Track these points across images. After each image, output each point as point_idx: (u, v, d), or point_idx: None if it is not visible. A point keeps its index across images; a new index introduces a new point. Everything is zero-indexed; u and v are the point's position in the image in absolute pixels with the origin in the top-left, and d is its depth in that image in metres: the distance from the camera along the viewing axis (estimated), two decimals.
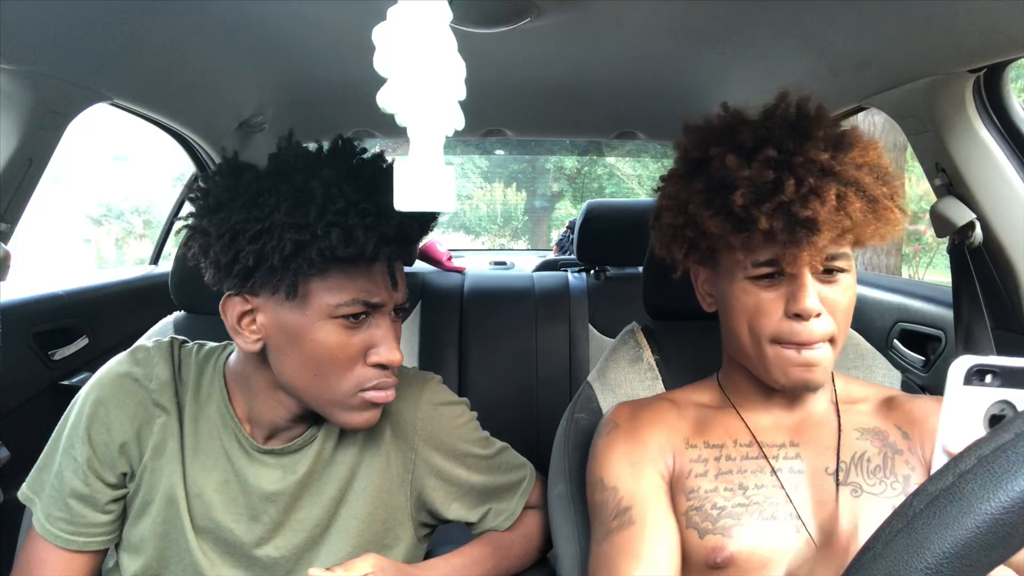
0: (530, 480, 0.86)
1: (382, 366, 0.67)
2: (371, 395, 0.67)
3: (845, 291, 0.66)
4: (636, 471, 0.70)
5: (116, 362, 0.76)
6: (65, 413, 0.76)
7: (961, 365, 0.43)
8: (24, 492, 0.74)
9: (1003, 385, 0.42)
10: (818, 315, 0.64)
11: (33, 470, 0.74)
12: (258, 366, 0.70)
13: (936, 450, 0.44)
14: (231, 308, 0.67)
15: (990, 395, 0.42)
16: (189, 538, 0.71)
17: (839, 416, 0.71)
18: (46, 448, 0.75)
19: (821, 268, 0.64)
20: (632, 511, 0.67)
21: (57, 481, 0.72)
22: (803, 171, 0.62)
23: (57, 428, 0.75)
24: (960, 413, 0.43)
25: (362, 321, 0.66)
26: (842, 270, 0.66)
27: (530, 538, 0.83)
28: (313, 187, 0.61)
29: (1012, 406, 0.42)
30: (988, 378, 0.42)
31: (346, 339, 0.65)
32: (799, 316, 0.64)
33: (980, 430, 0.42)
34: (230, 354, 0.76)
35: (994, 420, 0.42)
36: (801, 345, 0.64)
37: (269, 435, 0.73)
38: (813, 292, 0.64)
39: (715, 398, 0.77)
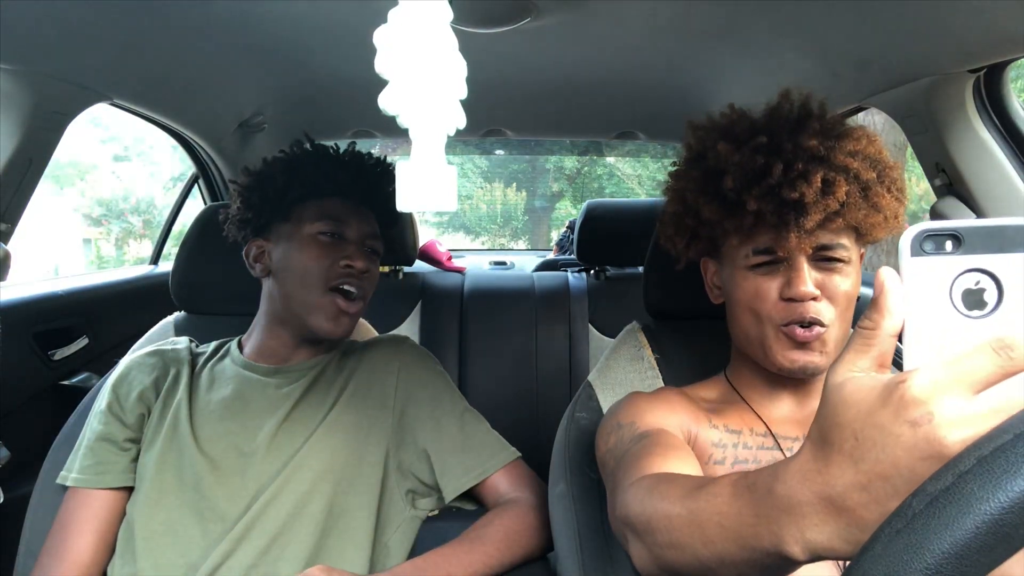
0: (511, 455, 0.87)
1: (349, 267, 0.86)
2: (340, 300, 0.86)
3: (845, 280, 0.66)
4: (656, 414, 0.69)
5: (143, 350, 0.94)
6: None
7: (909, 233, 0.33)
8: (61, 475, 0.83)
9: (969, 252, 0.32)
10: (815, 299, 0.65)
11: (68, 459, 0.85)
12: (264, 300, 0.91)
13: (905, 346, 0.33)
14: (251, 250, 0.91)
15: (955, 265, 0.32)
16: (191, 452, 0.81)
17: None
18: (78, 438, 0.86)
19: (810, 250, 0.65)
20: (651, 435, 0.64)
21: (86, 439, 0.84)
22: (792, 156, 0.64)
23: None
24: (921, 294, 0.33)
25: (336, 242, 0.87)
26: (840, 260, 0.65)
27: (514, 535, 0.80)
28: (301, 157, 0.91)
29: (990, 275, 0.32)
30: (948, 245, 0.33)
31: (322, 253, 0.86)
32: (793, 300, 0.65)
33: (951, 311, 0.33)
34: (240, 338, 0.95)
35: (969, 296, 0.32)
36: (798, 325, 0.65)
37: (276, 364, 0.89)
38: (808, 277, 0.65)
39: (724, 393, 0.76)
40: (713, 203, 0.68)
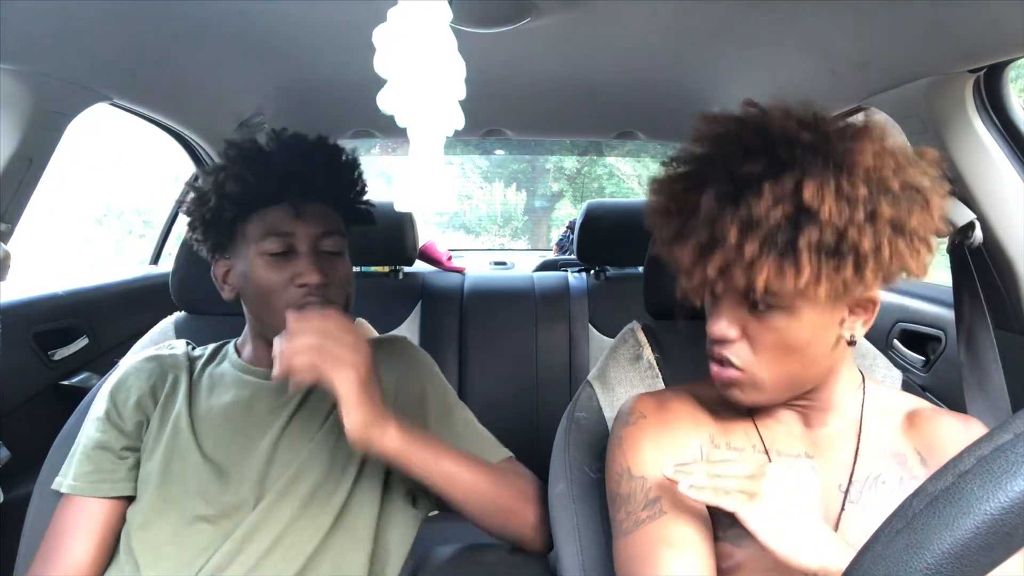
0: (503, 454, 0.87)
1: (304, 285, 0.80)
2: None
3: (772, 330, 0.61)
4: (665, 461, 0.67)
5: (140, 354, 0.93)
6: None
7: None
8: (57, 480, 0.82)
9: None
10: (728, 341, 0.63)
11: (64, 464, 0.83)
12: (246, 312, 0.88)
13: None
14: (217, 269, 0.87)
15: None
16: (195, 460, 0.79)
17: (860, 432, 0.69)
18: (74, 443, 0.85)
19: (696, 302, 0.64)
20: (662, 502, 0.65)
21: (82, 445, 0.83)
22: (686, 212, 0.61)
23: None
24: None
25: (288, 258, 0.81)
26: (772, 306, 0.60)
27: (523, 498, 0.81)
28: (227, 171, 0.81)
29: None
30: None
31: (274, 272, 0.80)
32: (711, 337, 0.65)
33: None
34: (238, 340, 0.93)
35: None
36: (714, 362, 0.66)
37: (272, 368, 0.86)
38: (725, 320, 0.63)
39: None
40: None
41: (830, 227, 0.55)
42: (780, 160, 0.57)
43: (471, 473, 0.78)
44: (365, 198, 0.91)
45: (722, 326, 0.63)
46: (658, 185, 0.66)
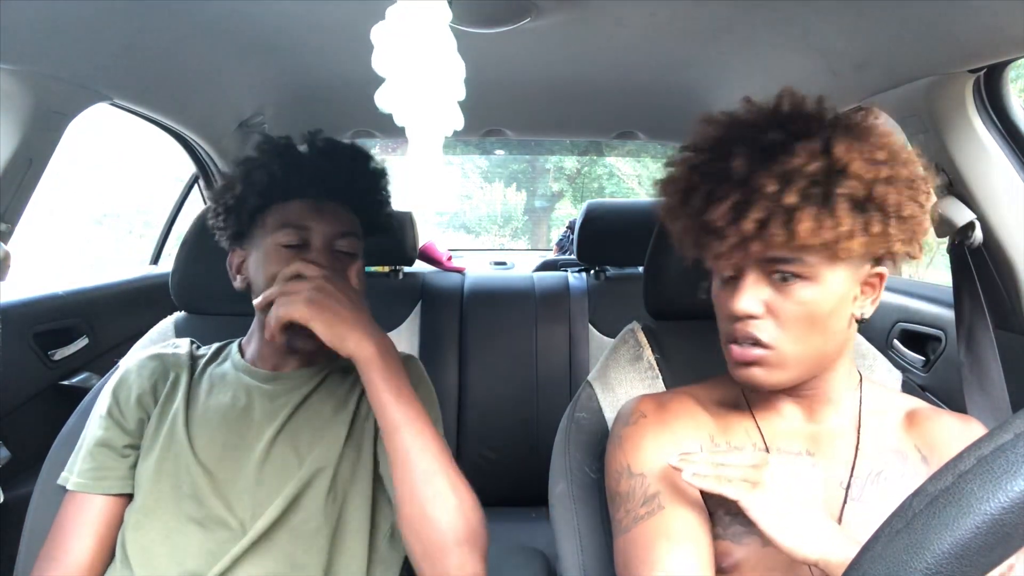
0: None
1: None
2: None
3: (797, 302, 0.62)
4: (665, 459, 0.67)
5: (143, 352, 0.93)
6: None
7: None
8: (62, 476, 0.83)
9: None
10: (753, 317, 0.63)
11: (69, 459, 0.84)
12: (256, 313, 0.86)
13: None
14: (233, 259, 0.88)
15: None
16: (188, 460, 0.79)
17: (860, 428, 0.69)
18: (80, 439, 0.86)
19: (727, 269, 0.65)
20: (661, 497, 0.65)
21: (87, 442, 0.83)
22: (716, 177, 0.63)
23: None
24: None
25: (301, 252, 0.81)
26: (797, 276, 0.61)
27: (464, 497, 0.71)
28: (257, 162, 0.84)
29: None
30: None
31: (285, 263, 0.78)
32: (734, 316, 0.64)
33: None
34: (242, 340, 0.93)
35: None
36: (735, 343, 0.66)
37: (275, 370, 0.87)
38: (749, 295, 0.63)
39: (733, 397, 0.74)
40: (670, 216, 0.70)
41: (861, 182, 0.58)
42: (799, 132, 0.61)
43: (424, 433, 0.71)
44: (387, 209, 0.92)
45: (747, 301, 0.63)
46: (675, 168, 0.68)
